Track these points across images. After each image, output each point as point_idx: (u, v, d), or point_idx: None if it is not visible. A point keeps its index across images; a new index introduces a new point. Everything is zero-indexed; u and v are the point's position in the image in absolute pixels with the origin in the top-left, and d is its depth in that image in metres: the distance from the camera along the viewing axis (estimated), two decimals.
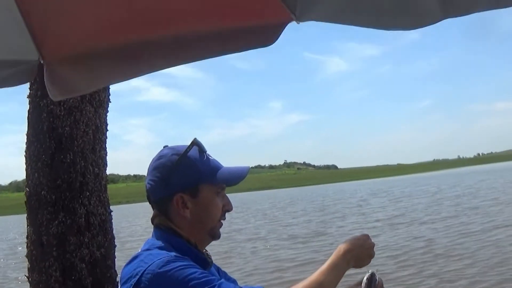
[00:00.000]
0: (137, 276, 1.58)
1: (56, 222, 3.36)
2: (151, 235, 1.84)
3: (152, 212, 1.86)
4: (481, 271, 10.34)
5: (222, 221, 1.87)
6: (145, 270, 1.58)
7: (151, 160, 1.86)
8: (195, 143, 1.83)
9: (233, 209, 1.94)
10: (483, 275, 10.00)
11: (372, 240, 1.83)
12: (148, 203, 1.83)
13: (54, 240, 3.34)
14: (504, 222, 17.44)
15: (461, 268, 10.95)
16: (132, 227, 34.59)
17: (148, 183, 1.83)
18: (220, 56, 2.09)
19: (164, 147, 1.88)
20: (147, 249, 1.72)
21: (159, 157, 1.83)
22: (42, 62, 2.00)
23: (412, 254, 13.23)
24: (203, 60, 2.06)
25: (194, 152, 1.81)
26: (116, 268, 3.77)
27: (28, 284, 3.52)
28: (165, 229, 1.79)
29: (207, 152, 1.86)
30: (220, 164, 1.87)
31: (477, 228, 16.79)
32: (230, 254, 16.41)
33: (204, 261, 1.79)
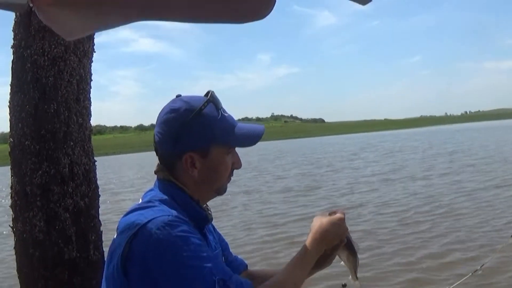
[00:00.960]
0: (135, 229, 1.55)
1: (40, 172, 3.33)
2: (153, 184, 1.80)
3: (154, 163, 1.80)
4: (486, 230, 10.08)
5: (230, 177, 1.83)
6: (143, 225, 1.55)
7: (161, 110, 1.77)
8: (211, 100, 1.73)
9: None
10: (488, 234, 9.74)
11: (346, 223, 1.80)
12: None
13: (38, 190, 3.34)
14: (503, 180, 17.01)
15: (464, 226, 10.62)
16: (121, 179, 34.10)
17: (156, 135, 1.75)
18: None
19: (177, 96, 1.77)
20: (149, 201, 1.68)
21: (171, 110, 1.72)
22: (31, 5, 1.91)
23: (414, 211, 12.82)
24: None
25: (209, 109, 1.71)
26: (99, 218, 3.78)
27: (12, 234, 3.51)
28: (169, 183, 1.74)
29: (222, 108, 1.76)
30: (234, 121, 1.79)
31: (476, 186, 16.39)
32: (222, 207, 15.93)
33: (205, 218, 1.76)
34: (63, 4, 1.86)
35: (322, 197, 17.07)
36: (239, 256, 2.13)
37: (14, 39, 3.47)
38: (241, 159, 1.84)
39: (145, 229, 1.54)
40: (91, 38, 3.57)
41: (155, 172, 1.79)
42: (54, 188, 3.37)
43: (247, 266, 2.12)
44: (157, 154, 1.78)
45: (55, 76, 3.38)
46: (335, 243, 1.78)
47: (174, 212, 1.61)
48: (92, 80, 3.68)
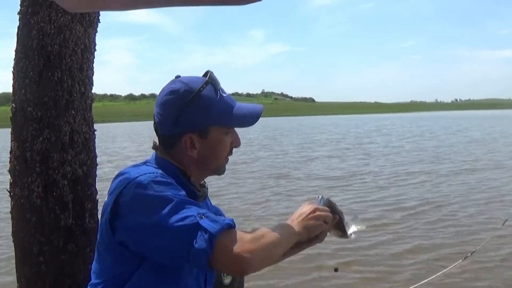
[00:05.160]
0: (120, 188, 1.59)
1: (41, 138, 3.34)
2: (150, 157, 1.84)
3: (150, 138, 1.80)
4: None
5: (228, 157, 1.85)
6: (129, 182, 1.59)
7: (160, 91, 1.78)
8: (210, 81, 1.74)
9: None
10: None
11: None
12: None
13: (37, 157, 3.33)
14: None
15: None
16: (112, 149, 31.65)
17: (156, 116, 1.77)
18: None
19: (176, 77, 1.79)
20: (135, 165, 1.73)
21: (171, 91, 1.73)
22: None
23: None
24: None
25: (208, 91, 1.72)
26: (96, 186, 3.79)
27: (10, 199, 3.51)
28: (163, 159, 1.77)
29: (221, 89, 1.76)
30: (233, 101, 1.80)
31: None
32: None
33: (192, 193, 1.75)
34: None
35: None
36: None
37: (21, 5, 3.45)
38: (245, 136, 1.84)
39: (131, 185, 1.58)
40: None
41: (153, 148, 1.83)
42: (54, 155, 3.36)
43: None
44: (157, 134, 1.82)
45: (60, 44, 3.37)
46: (315, 231, 1.74)
47: (160, 171, 1.66)
48: (96, 50, 3.69)
